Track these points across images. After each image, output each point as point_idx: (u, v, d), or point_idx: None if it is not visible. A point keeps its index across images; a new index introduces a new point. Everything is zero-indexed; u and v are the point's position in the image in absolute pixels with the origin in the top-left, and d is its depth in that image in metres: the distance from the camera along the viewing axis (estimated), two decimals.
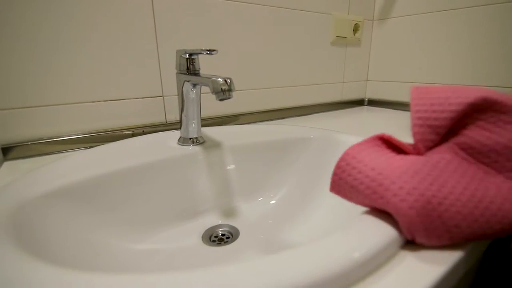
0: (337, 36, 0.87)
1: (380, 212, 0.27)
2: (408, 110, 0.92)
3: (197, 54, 0.45)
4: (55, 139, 0.51)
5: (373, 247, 0.23)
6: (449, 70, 0.82)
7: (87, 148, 0.54)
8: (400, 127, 0.71)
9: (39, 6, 0.47)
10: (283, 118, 0.81)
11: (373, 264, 0.23)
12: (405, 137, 0.59)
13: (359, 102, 1.03)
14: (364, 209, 0.29)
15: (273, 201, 0.52)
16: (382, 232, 0.25)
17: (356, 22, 0.90)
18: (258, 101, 0.76)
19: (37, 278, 0.20)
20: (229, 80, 0.39)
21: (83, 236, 0.35)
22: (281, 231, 0.45)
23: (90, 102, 0.54)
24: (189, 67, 0.46)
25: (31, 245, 0.26)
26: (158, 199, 0.44)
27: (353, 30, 0.91)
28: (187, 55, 0.46)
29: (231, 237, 0.45)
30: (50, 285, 0.19)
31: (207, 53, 0.41)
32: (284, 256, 0.22)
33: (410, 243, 0.26)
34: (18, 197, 0.31)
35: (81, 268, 0.21)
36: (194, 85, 0.47)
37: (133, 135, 0.58)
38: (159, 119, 0.62)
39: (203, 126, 0.63)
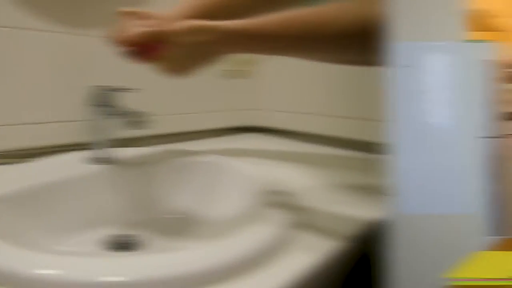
0: (227, 67, 0.96)
1: None
2: (295, 139, 0.99)
3: (112, 91, 0.56)
4: None
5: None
6: (323, 100, 0.97)
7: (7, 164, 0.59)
8: (283, 154, 0.83)
9: None
10: (172, 142, 0.86)
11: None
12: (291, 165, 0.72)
13: (247, 129, 1.12)
14: None
15: (174, 217, 0.60)
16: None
17: None
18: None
19: None
20: (141, 113, 0.51)
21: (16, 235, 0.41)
22: (178, 244, 0.53)
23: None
24: (103, 100, 0.56)
25: None
26: (71, 211, 0.52)
27: (243, 62, 1.01)
28: (102, 90, 0.55)
29: (133, 247, 0.51)
30: None
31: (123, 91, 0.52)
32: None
33: None
34: None
35: None
36: (108, 115, 0.56)
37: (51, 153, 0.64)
38: (74, 140, 0.68)
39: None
